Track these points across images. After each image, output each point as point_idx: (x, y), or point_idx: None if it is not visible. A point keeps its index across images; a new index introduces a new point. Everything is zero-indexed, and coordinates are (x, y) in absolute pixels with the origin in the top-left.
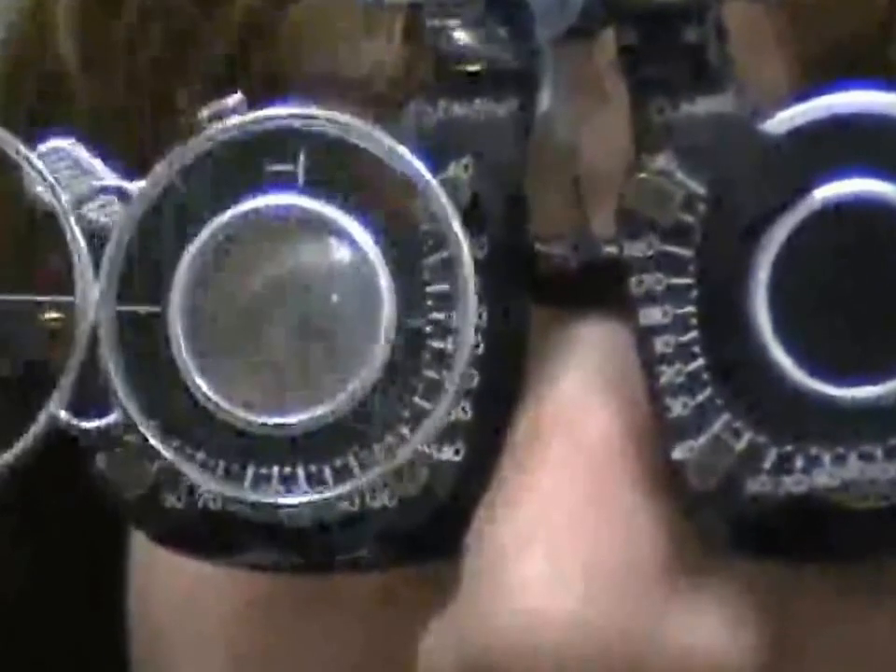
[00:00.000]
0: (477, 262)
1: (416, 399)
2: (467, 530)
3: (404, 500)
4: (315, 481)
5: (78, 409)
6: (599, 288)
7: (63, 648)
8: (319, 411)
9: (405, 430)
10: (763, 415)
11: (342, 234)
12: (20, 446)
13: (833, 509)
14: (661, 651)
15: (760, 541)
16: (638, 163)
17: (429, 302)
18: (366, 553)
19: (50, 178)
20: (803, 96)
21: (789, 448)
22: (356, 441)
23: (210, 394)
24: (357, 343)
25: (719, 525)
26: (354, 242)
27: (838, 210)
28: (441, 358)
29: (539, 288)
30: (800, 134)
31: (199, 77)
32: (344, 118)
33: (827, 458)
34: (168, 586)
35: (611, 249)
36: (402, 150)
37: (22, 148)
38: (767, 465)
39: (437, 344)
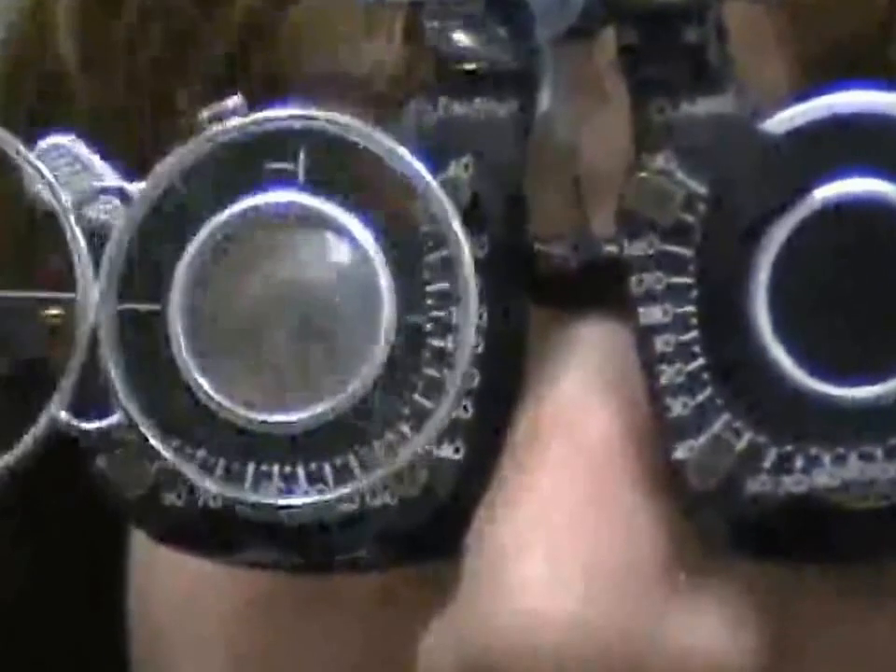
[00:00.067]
0: (477, 262)
1: (417, 397)
2: (467, 530)
3: (404, 500)
4: (315, 479)
5: (79, 410)
6: (599, 288)
7: (62, 648)
8: (320, 409)
9: (405, 428)
10: (763, 415)
11: (342, 232)
12: (20, 448)
13: (834, 509)
14: (661, 651)
15: (760, 542)
16: (639, 163)
17: (429, 301)
18: (366, 552)
19: (50, 178)
20: (803, 96)
21: (789, 448)
22: (356, 440)
23: (211, 392)
24: (357, 341)
25: (719, 526)
26: (354, 240)
27: (838, 210)
28: (442, 357)
29: (538, 288)
30: (800, 134)
31: (199, 77)
32: (344, 118)
33: (827, 458)
34: (168, 585)
35: (611, 249)
36: (402, 151)
37: (22, 149)
38: (767, 465)
39: (437, 343)
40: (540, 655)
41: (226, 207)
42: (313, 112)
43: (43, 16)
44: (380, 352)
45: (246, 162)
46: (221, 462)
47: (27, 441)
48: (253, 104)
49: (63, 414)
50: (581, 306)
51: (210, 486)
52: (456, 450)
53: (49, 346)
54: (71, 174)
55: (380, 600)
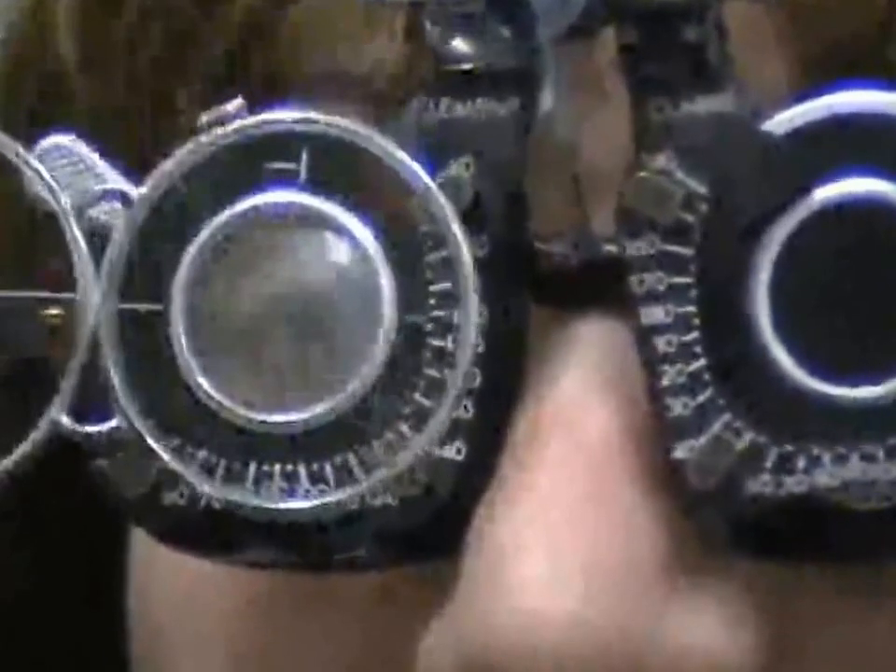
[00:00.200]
0: (477, 261)
1: (417, 397)
2: (467, 529)
3: (405, 499)
4: (316, 479)
5: (80, 413)
6: (599, 287)
7: (62, 647)
8: (320, 408)
9: (406, 428)
10: (763, 415)
11: (342, 232)
12: (21, 451)
13: (834, 509)
14: (660, 650)
15: (760, 541)
16: (639, 162)
17: (430, 300)
18: (365, 551)
19: (50, 181)
20: (803, 96)
21: (789, 448)
22: (356, 439)
23: (211, 392)
24: (357, 341)
25: (719, 525)
26: (354, 239)
27: (839, 210)
28: (442, 356)
29: (539, 287)
30: (800, 134)
31: (199, 77)
32: (344, 121)
33: (828, 458)
34: (168, 584)
35: (612, 248)
36: (401, 155)
37: (22, 151)
38: (768, 465)
39: (437, 342)
40: (539, 654)
41: (226, 207)
42: (313, 115)
43: (43, 16)
44: (380, 352)
45: (247, 163)
46: (222, 462)
47: (28, 444)
48: (253, 103)
49: (65, 418)
50: (581, 305)
51: (210, 490)
52: (458, 451)
53: (49, 346)
54: (72, 174)
55: (380, 599)
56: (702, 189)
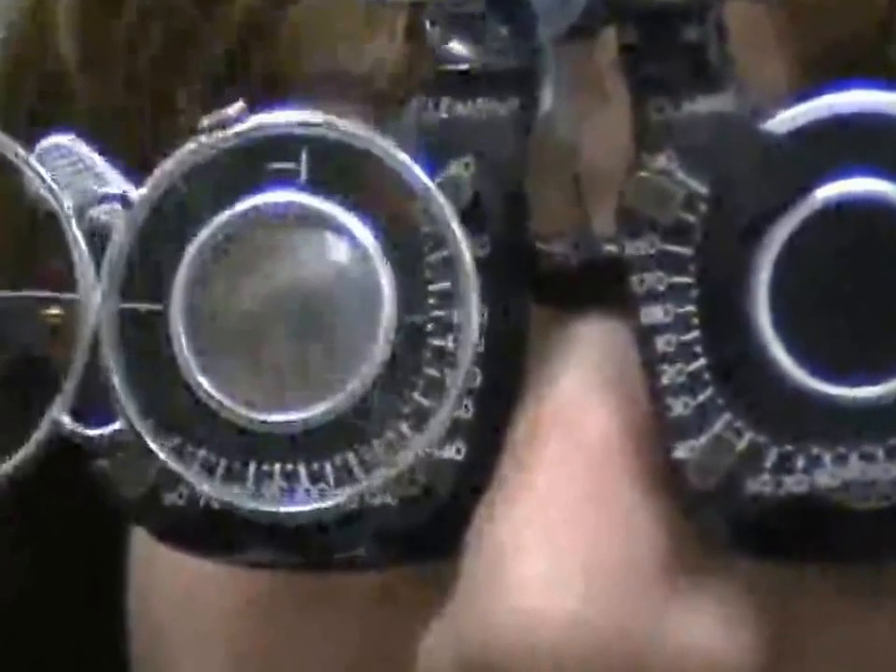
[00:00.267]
0: (478, 261)
1: (417, 397)
2: (467, 529)
3: (405, 499)
4: (316, 478)
5: (81, 414)
6: (600, 287)
7: (62, 647)
8: (320, 408)
9: (406, 427)
10: (763, 415)
11: (342, 232)
12: (22, 453)
13: (834, 509)
14: (660, 650)
15: (760, 541)
16: (639, 162)
17: (430, 300)
18: (365, 551)
19: (51, 182)
20: (804, 96)
21: (789, 448)
22: (356, 439)
23: (211, 392)
24: (357, 340)
25: (719, 525)
26: (354, 239)
27: (839, 210)
28: (442, 356)
29: (539, 287)
30: (801, 134)
31: (199, 76)
32: (344, 123)
33: (828, 458)
34: (168, 584)
35: (612, 248)
36: (402, 156)
37: (22, 152)
38: (768, 464)
39: (437, 342)
40: (539, 654)
41: (227, 207)
42: (313, 117)
43: (43, 15)
44: (380, 351)
45: (247, 163)
46: (222, 462)
47: (30, 445)
48: (253, 103)
49: (66, 419)
50: (581, 305)
51: (209, 489)
52: (458, 451)
53: (49, 346)
54: (72, 174)
55: (379, 599)
56: (702, 189)
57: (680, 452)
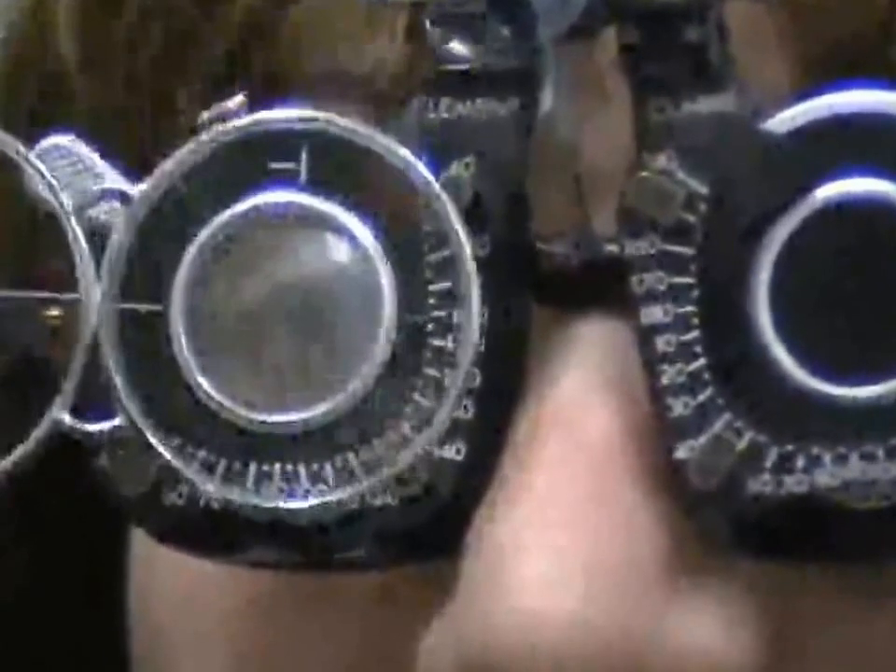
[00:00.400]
0: (479, 261)
1: (417, 397)
2: (467, 529)
3: (405, 499)
4: (316, 479)
5: (81, 411)
6: (600, 287)
7: (63, 646)
8: (320, 409)
9: (406, 428)
10: (764, 415)
11: (342, 232)
12: (22, 450)
13: (835, 509)
14: (661, 650)
15: (761, 541)
16: (640, 162)
17: (431, 300)
18: (366, 551)
19: (51, 179)
20: (804, 95)
21: (790, 448)
22: (357, 439)
23: (211, 392)
24: (358, 340)
25: (720, 525)
26: (355, 239)
27: (839, 209)
28: (443, 356)
29: (540, 287)
30: (801, 134)
31: (199, 76)
32: (344, 121)
33: (828, 458)
34: (168, 584)
35: (613, 248)
36: (403, 151)
37: (23, 149)
38: (768, 464)
39: (438, 342)
40: (539, 654)
41: (227, 207)
42: (314, 113)
43: (43, 15)
44: (380, 351)
45: (248, 163)
46: (222, 462)
47: (30, 442)
48: (253, 103)
49: (66, 417)
50: (582, 305)
51: (211, 488)
52: (458, 451)
53: (49, 346)
54: (72, 174)
55: (380, 599)
56: (703, 189)
57: (681, 452)
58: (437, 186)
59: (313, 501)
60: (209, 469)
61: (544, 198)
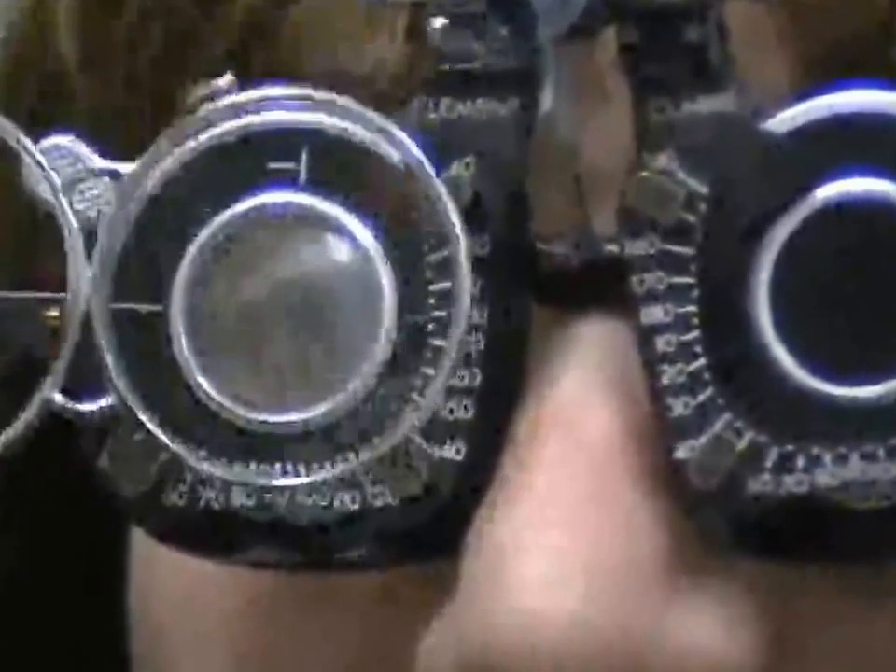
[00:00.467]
0: (479, 261)
1: (417, 397)
2: (468, 529)
3: (405, 499)
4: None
5: (74, 392)
6: (600, 287)
7: (63, 645)
8: (321, 409)
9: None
10: (764, 415)
11: (342, 232)
12: (13, 430)
13: (835, 509)
14: (661, 650)
15: (761, 541)
16: (640, 162)
17: (431, 300)
18: (366, 551)
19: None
20: (804, 95)
21: (790, 448)
22: (357, 439)
23: (211, 392)
24: (358, 340)
25: (720, 525)
26: (355, 239)
27: (840, 209)
28: (443, 356)
29: (540, 287)
30: (801, 134)
31: (199, 76)
32: (343, 99)
33: (828, 458)
34: (169, 583)
35: (613, 248)
36: (399, 135)
37: (23, 138)
38: (768, 464)
39: (438, 342)
40: (539, 654)
41: (228, 207)
42: (314, 114)
43: (43, 15)
44: (381, 351)
45: (248, 163)
46: (223, 462)
47: (20, 423)
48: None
49: (57, 396)
50: (582, 305)
51: (208, 469)
52: (458, 451)
53: (49, 347)
54: (73, 174)
55: (380, 599)
56: (703, 189)
57: (681, 452)
58: (426, 163)
59: (305, 479)
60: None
61: (544, 198)
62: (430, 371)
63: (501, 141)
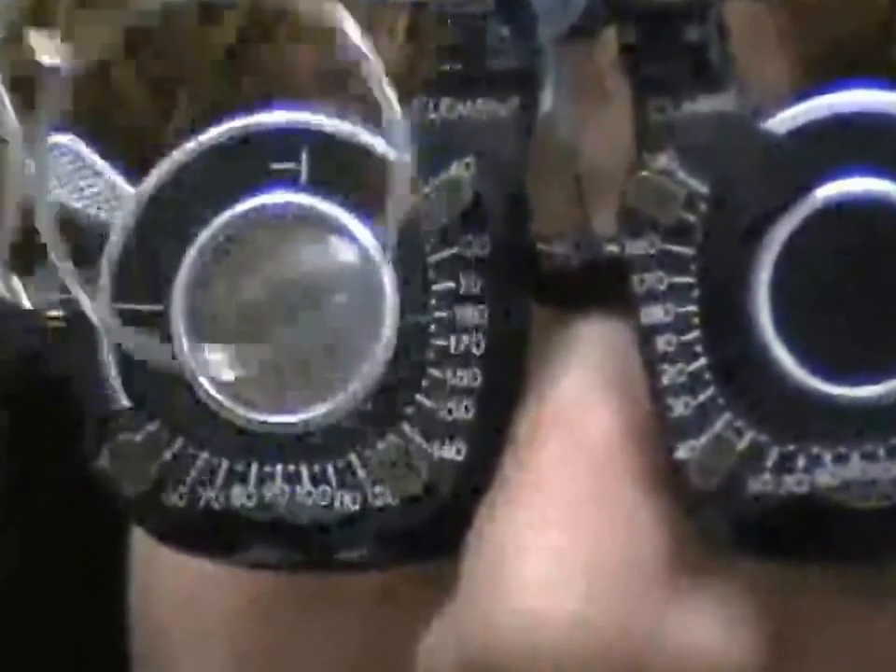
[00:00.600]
0: (479, 261)
1: (419, 397)
2: (468, 529)
3: (405, 499)
4: (318, 480)
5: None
6: (601, 287)
7: (64, 644)
8: (322, 409)
9: (408, 428)
10: (764, 415)
11: (343, 232)
12: None
13: (835, 508)
14: (661, 650)
15: (761, 541)
16: (640, 162)
17: (433, 300)
18: (367, 551)
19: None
20: (804, 95)
21: (790, 447)
22: (359, 440)
23: (213, 393)
24: (359, 340)
25: (720, 525)
26: (356, 240)
27: (840, 209)
28: (445, 356)
29: (540, 287)
30: (801, 133)
31: (199, 76)
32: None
33: (829, 458)
34: (169, 584)
35: (613, 248)
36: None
37: None
38: (769, 464)
39: (440, 342)
40: (540, 654)
41: (228, 208)
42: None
43: (44, 15)
44: (382, 351)
45: (248, 163)
46: (224, 463)
47: None
48: (254, 102)
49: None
50: (582, 305)
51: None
52: (458, 451)
53: (49, 347)
54: (72, 173)
55: (381, 599)
56: (703, 189)
57: (681, 452)
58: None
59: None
60: (211, 470)
61: (544, 198)
62: (433, 372)
63: (501, 141)
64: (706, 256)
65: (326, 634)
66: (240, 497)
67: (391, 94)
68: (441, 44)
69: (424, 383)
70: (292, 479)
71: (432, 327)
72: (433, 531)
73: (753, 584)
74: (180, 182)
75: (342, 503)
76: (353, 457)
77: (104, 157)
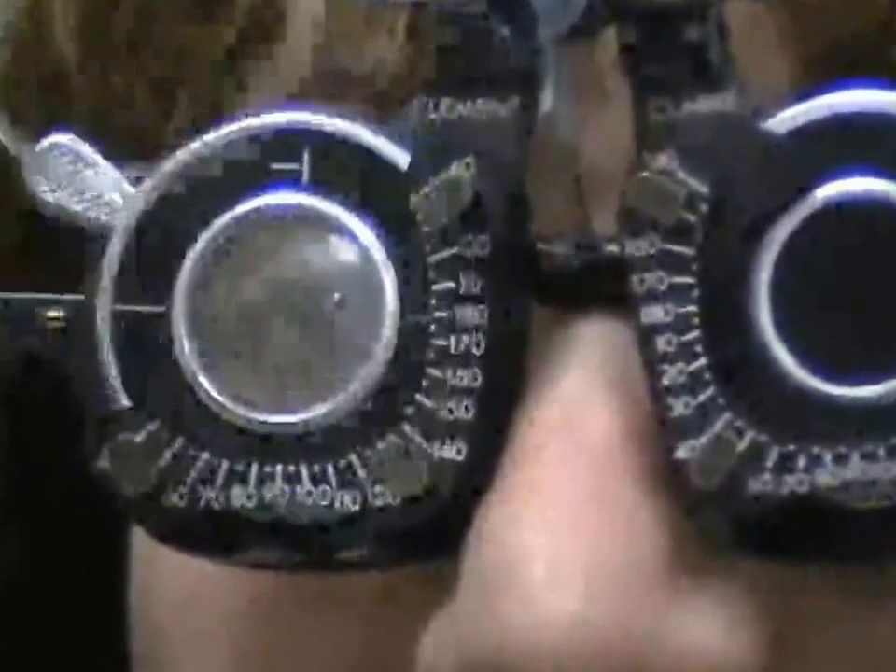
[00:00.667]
0: (479, 261)
1: (419, 398)
2: (468, 529)
3: (406, 499)
4: (319, 480)
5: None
6: (601, 287)
7: (64, 644)
8: (322, 409)
9: (408, 428)
10: (764, 415)
11: (344, 232)
12: None
13: (835, 508)
14: (662, 650)
15: (762, 541)
16: (640, 162)
17: (433, 300)
18: (367, 551)
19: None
20: (804, 95)
21: (791, 447)
22: (359, 440)
23: (213, 393)
24: (360, 340)
25: (720, 525)
26: (357, 240)
27: (840, 209)
28: (446, 356)
29: (540, 287)
30: (802, 133)
31: (199, 76)
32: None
33: (829, 458)
34: (169, 584)
35: (613, 248)
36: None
37: None
38: (769, 464)
39: (440, 342)
40: (540, 654)
41: (228, 209)
42: (313, 114)
43: (41, 15)
44: (382, 351)
45: (249, 164)
46: (225, 463)
47: None
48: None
49: None
50: (582, 305)
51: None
52: (458, 451)
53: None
54: (72, 173)
55: (382, 599)
56: (703, 189)
57: (682, 452)
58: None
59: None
60: (211, 470)
61: (544, 198)
62: (434, 372)
63: (501, 141)
64: (706, 256)
65: (326, 634)
66: (240, 497)
67: None
68: (441, 44)
69: (424, 383)
70: (292, 479)
71: (432, 327)
72: (433, 531)
73: (753, 584)
74: (181, 183)
75: (342, 503)
76: (353, 457)
77: (104, 157)
